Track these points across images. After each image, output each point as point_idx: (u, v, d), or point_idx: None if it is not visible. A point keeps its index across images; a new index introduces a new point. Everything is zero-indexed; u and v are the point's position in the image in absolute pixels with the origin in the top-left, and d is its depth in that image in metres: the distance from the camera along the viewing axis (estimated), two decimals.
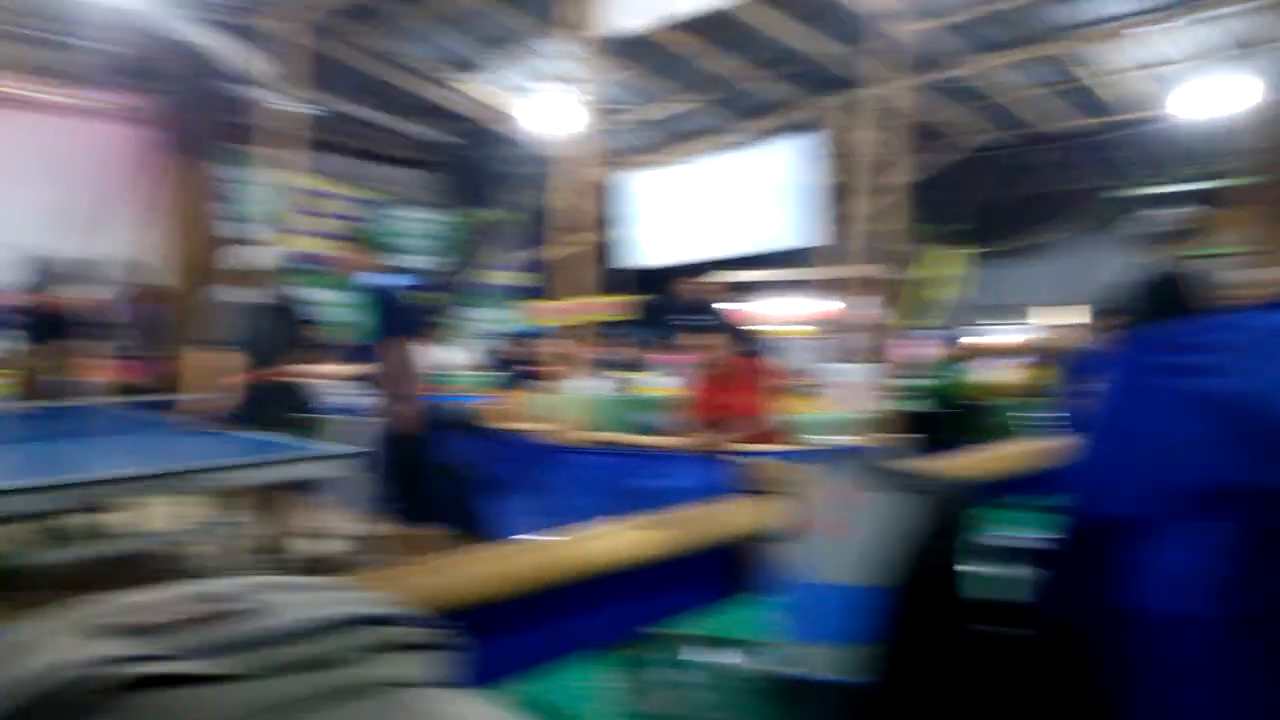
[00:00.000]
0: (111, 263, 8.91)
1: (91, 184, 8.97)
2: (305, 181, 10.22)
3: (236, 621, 0.68)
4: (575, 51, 7.45)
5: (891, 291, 8.50)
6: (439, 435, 4.54)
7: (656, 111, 10.27)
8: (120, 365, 8.58)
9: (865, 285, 8.45)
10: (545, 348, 8.68)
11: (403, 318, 4.66)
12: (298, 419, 5.16)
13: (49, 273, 5.79)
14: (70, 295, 5.73)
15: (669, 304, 8.00)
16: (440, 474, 4.41)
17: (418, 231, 11.77)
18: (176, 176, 8.54)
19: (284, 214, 8.19)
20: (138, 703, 0.60)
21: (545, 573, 1.14)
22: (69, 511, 4.94)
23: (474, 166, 12.00)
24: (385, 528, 5.28)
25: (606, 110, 7.72)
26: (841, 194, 9.48)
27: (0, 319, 8.40)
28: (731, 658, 1.21)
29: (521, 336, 9.14)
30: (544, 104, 9.66)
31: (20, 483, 3.51)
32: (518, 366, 8.09)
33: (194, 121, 8.54)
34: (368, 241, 4.81)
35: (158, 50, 8.57)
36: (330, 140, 11.13)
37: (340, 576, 0.79)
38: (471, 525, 4.53)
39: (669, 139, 10.87)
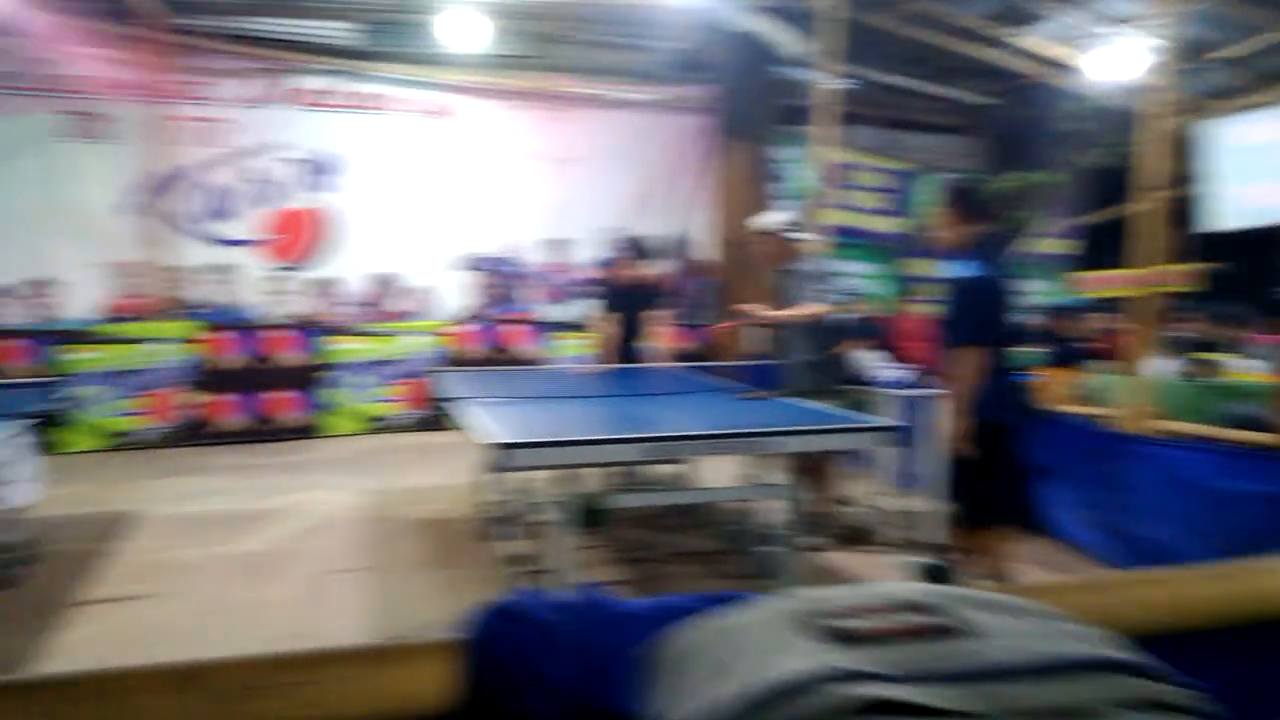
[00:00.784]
0: (672, 239, 9.95)
1: (657, 169, 10.10)
2: (840, 155, 10.40)
3: (951, 642, 0.58)
4: None
5: None
6: (1007, 422, 3.96)
7: (1251, 46, 8.61)
8: (677, 332, 9.58)
9: None
10: (1097, 322, 7.82)
11: (983, 318, 3.81)
12: (844, 390, 5.23)
13: (624, 248, 6.56)
14: (640, 268, 6.44)
15: (1267, 272, 6.71)
16: (1002, 465, 3.93)
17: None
18: (728, 158, 9.25)
19: (821, 189, 8.40)
20: None
21: (1240, 608, 0.90)
22: (644, 462, 5.57)
23: (1015, 127, 11.21)
24: (925, 506, 5.14)
25: (1186, 51, 6.62)
26: None
27: (585, 289, 9.89)
28: None
29: (1067, 309, 8.36)
30: (1110, 51, 8.64)
31: (611, 434, 3.99)
32: (1064, 343, 7.41)
33: (744, 106, 9.15)
34: (961, 210, 3.93)
35: (712, 41, 9.31)
36: (863, 112, 11.16)
37: (1032, 597, 0.66)
38: (1024, 518, 4.12)
39: (1266, 78, 9.07)
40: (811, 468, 5.11)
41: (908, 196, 11.05)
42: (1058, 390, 6.02)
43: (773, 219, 5.43)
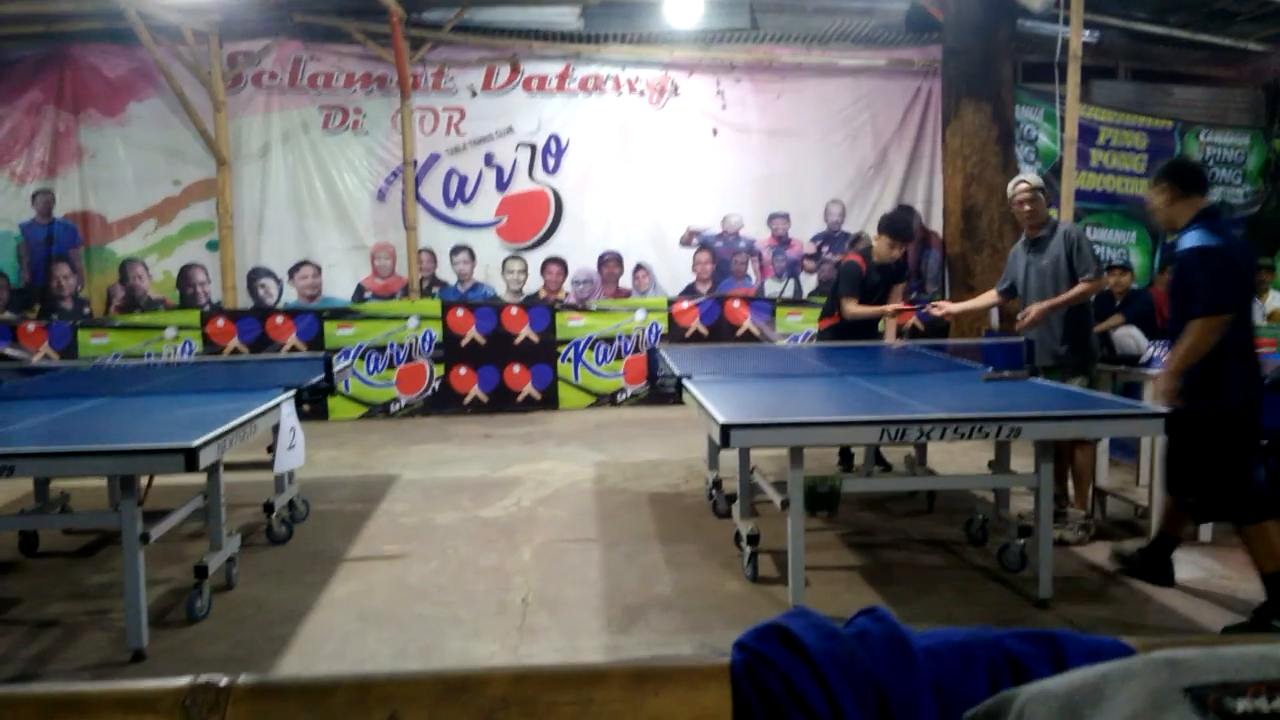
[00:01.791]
0: (909, 212, 9.52)
1: (883, 137, 9.68)
2: (1091, 113, 9.55)
3: None
4: None
5: None
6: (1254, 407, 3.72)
7: None
8: (909, 307, 9.16)
9: None
10: None
11: (1218, 285, 3.64)
12: (1102, 370, 4.81)
13: (881, 227, 6.22)
14: (890, 247, 6.10)
15: None
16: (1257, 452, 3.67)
17: (1220, 159, 10.17)
18: (960, 121, 8.70)
19: (1066, 150, 7.73)
20: None
21: None
22: (877, 444, 5.38)
23: None
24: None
25: None
26: None
27: (796, 264, 9.68)
28: None
29: None
30: None
31: (842, 416, 3.86)
32: None
33: (978, 64, 8.55)
34: (1177, 185, 3.82)
35: None
36: (1116, 65, 10.19)
37: None
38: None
39: None
40: (1064, 454, 4.74)
41: (1170, 155, 9.99)
42: None
43: (1032, 178, 5.02)
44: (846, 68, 9.59)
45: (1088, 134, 9.40)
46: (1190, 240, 3.70)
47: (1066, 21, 7.53)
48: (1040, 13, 7.97)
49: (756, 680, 0.68)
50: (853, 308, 6.09)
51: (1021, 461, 4.56)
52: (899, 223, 6.22)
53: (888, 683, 0.64)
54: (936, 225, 9.63)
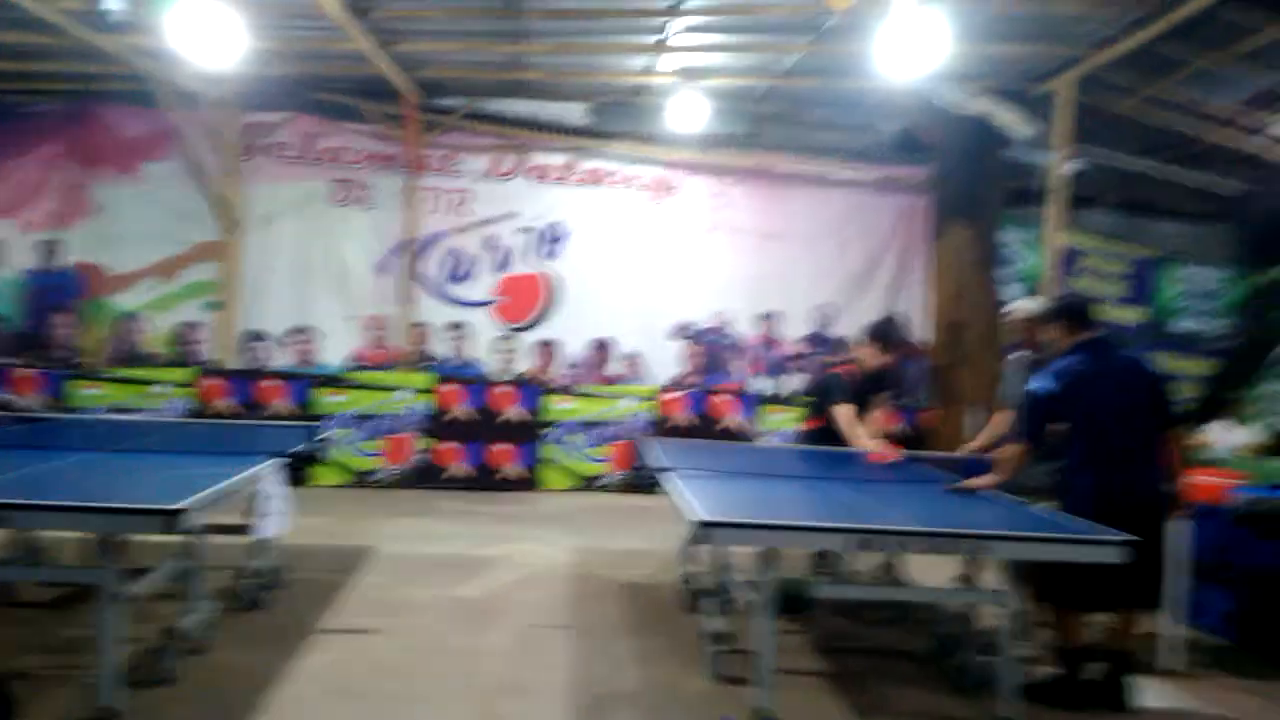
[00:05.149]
0: (883, 319, 9.75)
1: (870, 248, 9.99)
2: (1073, 240, 9.89)
3: None
4: None
5: None
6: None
7: None
8: (890, 416, 9.29)
9: None
10: None
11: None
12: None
13: (869, 334, 6.29)
14: (878, 355, 6.19)
15: None
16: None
17: (1199, 292, 10.52)
18: (946, 240, 8.99)
19: (1051, 274, 8.02)
20: None
21: None
22: (849, 551, 5.42)
23: (1272, 216, 10.25)
24: (1166, 628, 4.74)
25: None
26: None
27: (796, 365, 9.87)
28: None
29: None
30: None
31: (818, 521, 3.95)
32: None
33: (966, 186, 8.89)
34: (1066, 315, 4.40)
35: (934, 122, 9.12)
36: (1096, 196, 10.59)
37: None
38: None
39: None
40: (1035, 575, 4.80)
41: (1150, 285, 10.33)
42: None
43: (1029, 305, 5.20)
44: (843, 180, 9.94)
45: (1070, 259, 9.73)
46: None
47: (1052, 154, 7.88)
48: (1024, 141, 8.33)
49: None
50: (848, 415, 5.88)
51: (995, 575, 4.63)
52: (885, 329, 6.34)
53: None
54: (920, 336, 9.87)
